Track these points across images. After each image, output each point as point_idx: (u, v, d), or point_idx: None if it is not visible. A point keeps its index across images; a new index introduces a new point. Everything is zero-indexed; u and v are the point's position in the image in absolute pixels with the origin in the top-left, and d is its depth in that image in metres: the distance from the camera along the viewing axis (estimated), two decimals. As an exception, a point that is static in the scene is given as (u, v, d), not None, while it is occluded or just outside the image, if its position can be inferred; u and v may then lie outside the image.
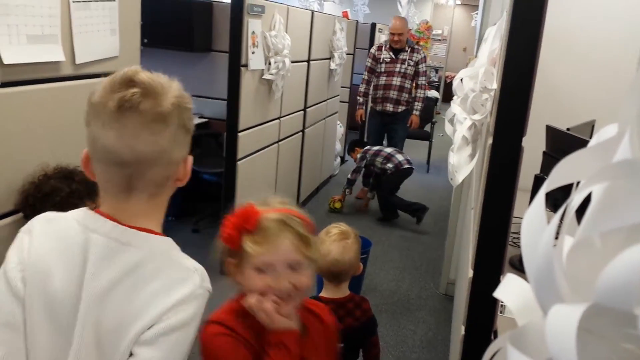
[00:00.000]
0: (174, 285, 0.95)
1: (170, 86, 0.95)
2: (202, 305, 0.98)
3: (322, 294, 1.89)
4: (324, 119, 5.58)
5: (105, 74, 2.17)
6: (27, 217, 1.60)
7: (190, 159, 1.02)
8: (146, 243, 0.97)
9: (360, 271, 1.91)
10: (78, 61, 1.81)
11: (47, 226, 0.99)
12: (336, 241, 1.84)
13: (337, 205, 5.13)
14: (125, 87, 0.90)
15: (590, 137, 2.28)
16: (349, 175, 5.06)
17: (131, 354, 0.93)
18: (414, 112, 5.40)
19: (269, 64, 3.74)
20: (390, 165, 4.86)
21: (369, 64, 5.44)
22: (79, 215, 0.99)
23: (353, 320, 1.86)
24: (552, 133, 2.16)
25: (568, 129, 2.13)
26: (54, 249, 0.96)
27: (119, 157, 0.90)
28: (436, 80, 12.22)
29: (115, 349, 0.93)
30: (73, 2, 1.74)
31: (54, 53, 1.70)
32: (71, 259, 0.95)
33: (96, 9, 1.86)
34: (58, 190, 1.58)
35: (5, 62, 1.51)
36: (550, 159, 2.11)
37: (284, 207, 1.19)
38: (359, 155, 5.00)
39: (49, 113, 1.73)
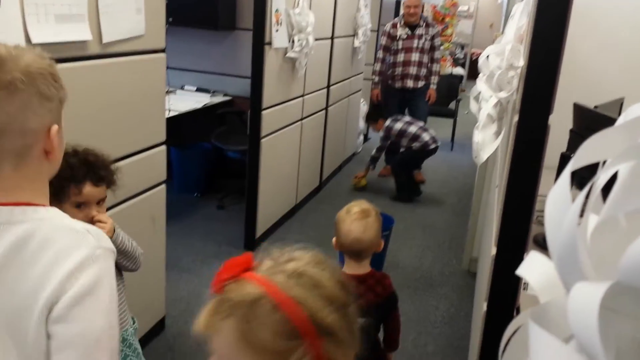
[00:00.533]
0: (67, 251, 0.90)
1: (22, 54, 0.90)
2: (106, 266, 0.94)
3: (343, 270, 1.91)
4: (347, 96, 5.55)
5: (132, 53, 2.21)
6: None
7: (56, 128, 0.95)
8: (26, 215, 0.92)
9: (381, 248, 1.92)
10: (105, 40, 1.83)
11: None
12: (357, 220, 1.85)
13: (363, 182, 5.12)
14: None
15: (619, 115, 2.24)
16: (373, 153, 5.03)
17: (49, 336, 0.89)
18: (432, 86, 5.38)
19: (293, 41, 3.72)
20: (417, 144, 4.83)
21: (383, 43, 5.38)
22: None
23: (374, 296, 1.88)
24: (580, 111, 2.13)
25: (596, 107, 2.09)
26: None
27: None
28: (462, 57, 12.02)
29: (25, 331, 0.89)
30: (99, -20, 1.75)
31: (81, 32, 1.73)
32: None
33: (122, -13, 1.87)
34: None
35: (34, 41, 1.53)
36: (577, 137, 2.08)
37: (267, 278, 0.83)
38: (381, 134, 4.93)
39: (76, 92, 1.76)
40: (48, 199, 1.00)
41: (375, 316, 1.91)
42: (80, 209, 1.54)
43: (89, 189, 1.53)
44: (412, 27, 5.26)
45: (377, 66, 5.44)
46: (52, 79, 0.94)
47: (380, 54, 5.41)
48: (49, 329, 0.88)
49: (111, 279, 0.95)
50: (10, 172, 0.92)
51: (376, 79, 5.49)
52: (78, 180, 1.52)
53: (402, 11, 5.38)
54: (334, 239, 1.92)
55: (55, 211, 0.97)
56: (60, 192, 1.49)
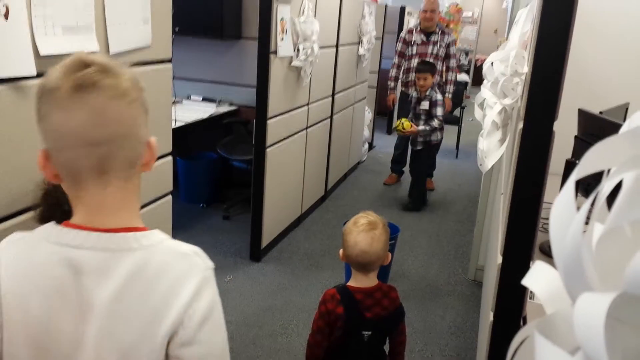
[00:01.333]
0: (183, 279, 0.91)
1: (122, 66, 0.91)
2: (214, 283, 0.96)
3: (350, 283, 1.90)
4: (352, 105, 5.56)
5: (138, 64, 2.22)
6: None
7: (154, 141, 0.95)
8: (138, 242, 0.92)
9: (388, 261, 1.92)
10: (112, 51, 1.84)
11: (15, 250, 0.94)
12: (364, 231, 1.83)
13: (407, 125, 4.70)
14: (80, 68, 0.85)
15: (624, 120, 2.23)
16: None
17: (169, 357, 0.91)
18: (446, 94, 5.36)
19: (298, 50, 3.74)
20: (440, 136, 4.86)
21: (399, 48, 5.42)
22: (48, 232, 0.93)
23: (381, 309, 1.87)
24: (584, 117, 2.12)
25: (601, 113, 2.08)
26: (27, 275, 0.91)
27: (89, 137, 0.85)
28: (466, 63, 12.03)
29: (140, 358, 0.90)
30: (105, -7, 1.77)
31: (89, 43, 1.74)
32: (49, 284, 0.89)
33: (128, -1, 1.89)
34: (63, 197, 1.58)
35: (42, 53, 1.55)
36: (582, 144, 2.07)
37: None
38: (425, 128, 4.76)
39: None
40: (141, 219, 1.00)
41: (382, 329, 1.90)
42: None
43: None
44: (428, 33, 5.29)
45: (393, 71, 5.48)
46: (144, 92, 0.94)
47: (395, 60, 5.46)
48: (173, 353, 0.90)
49: (217, 294, 0.98)
50: (121, 186, 0.92)
51: (392, 84, 5.52)
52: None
53: (407, 20, 5.40)
54: (340, 251, 1.92)
55: (158, 234, 0.96)
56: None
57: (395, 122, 4.90)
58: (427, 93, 4.68)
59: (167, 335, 0.89)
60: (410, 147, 4.99)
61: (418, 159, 4.91)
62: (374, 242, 1.82)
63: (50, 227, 0.93)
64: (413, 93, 4.86)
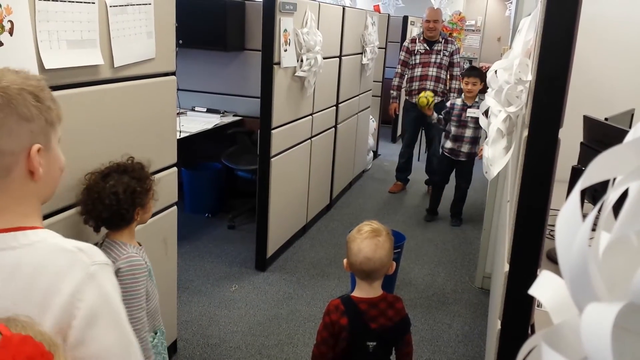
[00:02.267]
0: (62, 274, 0.89)
1: (2, 75, 0.90)
2: (105, 280, 0.93)
3: (355, 294, 1.89)
4: (357, 114, 5.57)
5: (143, 77, 2.24)
6: (96, 225, 1.75)
7: (36, 148, 0.93)
8: (17, 241, 0.91)
9: (393, 270, 1.90)
10: (116, 64, 1.86)
11: None
12: (367, 239, 1.83)
13: (430, 97, 4.59)
14: None
15: (630, 126, 2.22)
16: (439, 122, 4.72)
17: None
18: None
19: (301, 61, 3.75)
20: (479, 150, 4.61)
21: (402, 57, 5.42)
22: None
23: (386, 320, 1.86)
24: (590, 123, 2.12)
25: (606, 119, 2.08)
26: None
27: None
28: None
29: None
30: (110, 6, 1.79)
31: (93, 57, 1.75)
32: None
33: (133, 12, 1.90)
34: (110, 190, 1.70)
35: (47, 67, 1.56)
36: (588, 150, 2.06)
37: None
38: (440, 117, 4.66)
39: (89, 116, 1.78)
40: (40, 219, 0.99)
41: (387, 340, 1.89)
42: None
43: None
44: (431, 42, 5.30)
45: (396, 81, 5.48)
46: (35, 99, 0.92)
47: (398, 69, 5.46)
48: (70, 356, 0.87)
49: (114, 291, 0.94)
50: None
51: (394, 93, 5.52)
52: (142, 204, 1.81)
53: (410, 29, 5.41)
54: (345, 260, 1.91)
55: (45, 233, 0.95)
56: (127, 217, 1.77)
57: (420, 96, 4.66)
58: (476, 100, 4.47)
59: (54, 334, 0.86)
60: (442, 159, 4.76)
61: (463, 172, 4.68)
62: (377, 249, 1.81)
63: None
64: (456, 100, 4.59)
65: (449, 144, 4.62)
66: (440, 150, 4.82)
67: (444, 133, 4.72)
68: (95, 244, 1.76)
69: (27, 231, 0.93)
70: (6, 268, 0.89)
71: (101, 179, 1.72)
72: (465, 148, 4.56)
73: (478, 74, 4.51)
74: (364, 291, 1.87)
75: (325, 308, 1.90)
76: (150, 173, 1.85)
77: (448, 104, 4.69)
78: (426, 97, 4.59)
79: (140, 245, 1.87)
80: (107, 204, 1.69)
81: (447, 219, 4.88)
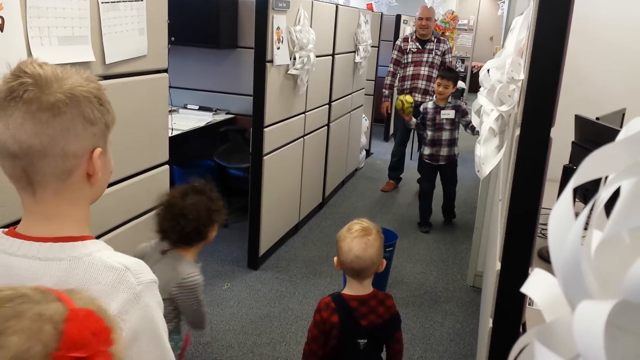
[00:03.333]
0: (107, 295, 0.88)
1: (67, 76, 0.90)
2: (150, 300, 0.92)
3: (345, 291, 1.90)
4: (349, 112, 5.57)
5: (134, 74, 2.22)
6: (175, 241, 1.90)
7: (99, 151, 0.93)
8: (64, 253, 0.91)
9: (383, 268, 1.90)
10: (108, 61, 1.85)
11: None
12: (357, 237, 1.83)
13: (406, 102, 4.48)
14: (15, 78, 0.87)
15: (621, 126, 2.23)
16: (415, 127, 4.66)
17: None
18: None
19: (294, 59, 3.75)
20: (457, 151, 4.59)
21: (394, 56, 5.43)
22: (5, 243, 0.93)
23: (376, 317, 1.86)
24: (581, 123, 2.13)
25: (597, 118, 2.09)
26: None
27: (6, 149, 0.87)
28: (462, 70, 12.07)
29: None
30: (102, 3, 1.77)
31: (84, 54, 1.74)
32: None
33: (124, 9, 1.89)
34: (192, 207, 1.88)
35: (38, 63, 1.55)
36: (579, 149, 2.07)
37: None
38: (418, 121, 4.59)
39: (80, 112, 1.77)
40: (88, 226, 0.98)
41: (378, 337, 1.90)
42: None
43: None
44: (423, 41, 5.31)
45: (388, 79, 5.47)
46: (98, 102, 0.93)
47: (391, 67, 5.45)
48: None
49: (158, 309, 0.94)
50: (51, 196, 0.92)
51: (386, 92, 5.52)
52: (216, 222, 2.03)
53: (403, 28, 5.41)
54: (335, 259, 1.91)
55: (93, 245, 0.94)
56: (203, 233, 1.96)
57: (397, 101, 4.53)
58: (449, 101, 4.41)
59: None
60: (424, 166, 4.68)
61: (447, 175, 4.64)
62: (367, 248, 1.82)
63: None
64: (428, 104, 4.50)
65: (427, 150, 4.53)
66: (420, 157, 4.75)
67: (423, 139, 4.61)
68: (163, 252, 1.90)
69: (75, 243, 0.93)
70: (52, 279, 0.88)
71: (180, 197, 1.89)
72: (444, 151, 4.47)
73: (453, 76, 4.43)
74: (354, 289, 1.87)
75: (316, 306, 1.91)
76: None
77: (421, 108, 4.56)
78: (402, 101, 4.47)
79: (198, 262, 2.00)
80: (190, 219, 1.87)
81: (438, 218, 4.89)
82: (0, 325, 0.64)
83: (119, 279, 0.90)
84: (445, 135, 4.44)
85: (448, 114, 4.38)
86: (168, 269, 1.85)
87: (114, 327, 0.75)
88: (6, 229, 0.94)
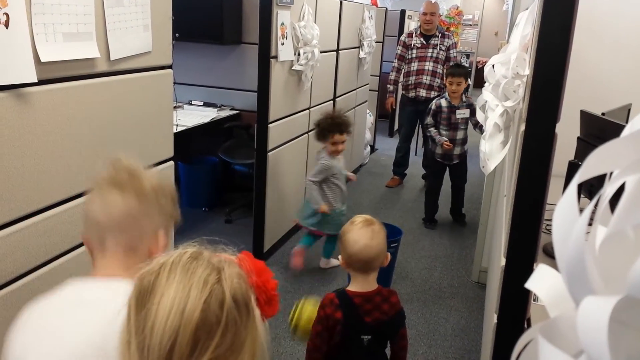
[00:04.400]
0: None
1: (150, 173, 1.17)
2: None
3: (350, 288, 1.89)
4: (354, 108, 5.57)
5: (139, 70, 2.22)
6: None
7: (162, 233, 1.17)
8: (109, 285, 1.08)
9: (388, 261, 1.90)
10: (112, 57, 1.85)
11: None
12: (363, 227, 1.84)
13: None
14: (116, 170, 1.14)
15: (627, 121, 2.22)
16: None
17: None
18: None
19: (298, 54, 3.74)
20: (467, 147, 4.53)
21: (399, 52, 5.41)
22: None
23: (380, 314, 1.86)
24: (587, 118, 2.12)
25: (603, 114, 2.08)
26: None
27: (96, 219, 1.11)
28: (467, 66, 12.03)
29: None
30: (106, -1, 1.77)
31: (89, 50, 1.74)
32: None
33: (129, 5, 1.89)
34: None
35: (42, 59, 1.55)
36: (584, 145, 2.07)
37: None
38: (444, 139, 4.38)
39: (85, 109, 1.77)
40: None
41: (382, 334, 1.89)
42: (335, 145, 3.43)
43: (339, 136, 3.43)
44: (428, 36, 5.28)
45: (392, 75, 5.44)
46: (171, 199, 1.19)
47: (395, 63, 5.42)
48: None
49: None
50: (122, 257, 1.12)
51: (391, 87, 5.51)
52: (340, 131, 3.40)
53: (407, 23, 5.39)
54: (340, 257, 1.90)
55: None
56: (325, 135, 3.41)
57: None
58: (463, 100, 4.32)
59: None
60: (435, 164, 4.60)
61: (458, 173, 4.54)
62: (374, 236, 1.82)
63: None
64: (441, 101, 4.37)
65: (440, 149, 4.44)
66: (430, 154, 4.64)
67: (433, 139, 4.47)
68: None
69: (119, 280, 1.10)
70: (93, 303, 1.05)
71: None
72: (457, 150, 4.42)
73: (463, 72, 4.33)
74: (359, 285, 1.87)
75: (320, 302, 1.90)
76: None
77: (432, 105, 4.43)
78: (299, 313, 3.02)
79: None
80: None
81: (443, 214, 4.89)
82: (207, 269, 0.80)
83: None
84: (460, 134, 4.38)
85: (463, 113, 4.30)
86: None
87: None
88: None
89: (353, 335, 1.84)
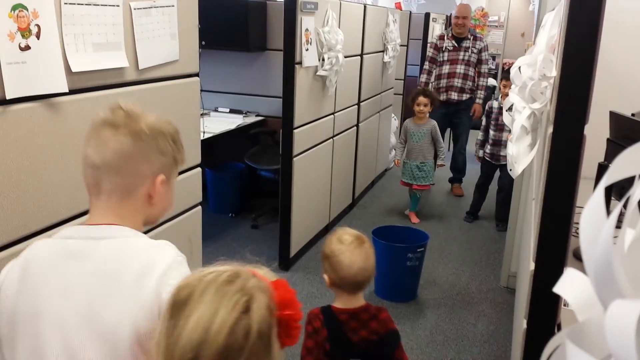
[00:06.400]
0: (154, 261, 1.05)
1: (152, 115, 1.12)
2: (187, 270, 1.08)
3: (335, 304, 1.78)
4: (378, 112, 5.55)
5: (167, 78, 2.26)
6: None
7: (161, 178, 1.12)
8: (111, 232, 1.08)
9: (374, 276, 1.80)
10: (141, 66, 1.88)
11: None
12: (357, 248, 1.73)
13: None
14: (112, 111, 1.11)
15: (659, 122, 2.17)
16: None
17: None
18: (477, 100, 5.32)
19: (323, 60, 3.76)
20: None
21: (430, 54, 5.41)
22: (63, 232, 1.13)
23: (369, 333, 1.72)
24: (616, 119, 2.08)
25: (633, 115, 2.04)
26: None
27: (91, 161, 1.08)
28: (493, 67, 11.91)
29: (119, 332, 1.00)
30: (135, 9, 1.81)
31: (118, 59, 1.78)
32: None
33: (157, 14, 1.93)
34: None
35: (73, 70, 1.59)
36: (614, 146, 2.03)
37: None
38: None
39: (114, 117, 1.81)
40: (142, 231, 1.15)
41: (373, 357, 1.73)
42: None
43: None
44: (459, 39, 5.27)
45: (423, 77, 5.46)
46: (172, 140, 1.13)
47: (426, 65, 5.44)
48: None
49: None
50: (116, 202, 1.10)
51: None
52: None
53: (432, 26, 5.36)
54: (326, 277, 1.77)
55: (141, 233, 1.13)
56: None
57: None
58: None
59: (150, 310, 1.00)
60: (484, 163, 4.71)
61: (505, 174, 4.32)
62: (368, 257, 1.73)
63: (72, 226, 1.17)
64: (494, 103, 4.55)
65: (489, 149, 4.62)
66: (482, 153, 4.73)
67: (481, 139, 4.72)
68: None
69: (130, 229, 1.10)
70: (103, 254, 1.05)
71: None
72: (504, 152, 4.36)
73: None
74: (345, 301, 1.75)
75: (306, 318, 1.77)
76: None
77: (487, 106, 4.68)
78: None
79: None
80: None
81: (478, 218, 4.84)
82: (238, 295, 0.82)
83: (163, 250, 1.09)
84: (505, 136, 4.39)
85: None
86: None
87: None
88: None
89: (340, 356, 1.71)
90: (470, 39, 5.27)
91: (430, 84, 5.44)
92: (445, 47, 5.29)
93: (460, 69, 5.26)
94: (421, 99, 4.54)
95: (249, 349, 0.79)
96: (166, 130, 1.12)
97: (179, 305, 0.83)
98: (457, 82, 5.27)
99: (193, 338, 0.78)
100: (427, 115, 4.63)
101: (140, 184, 1.10)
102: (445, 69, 5.29)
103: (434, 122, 4.68)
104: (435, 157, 4.69)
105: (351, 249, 1.73)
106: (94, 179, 1.09)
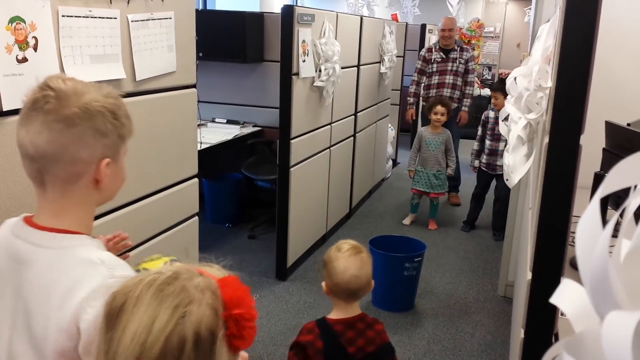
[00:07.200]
0: (80, 282, 0.97)
1: (87, 91, 1.00)
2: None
3: (330, 316, 1.79)
4: (375, 122, 5.57)
5: (164, 90, 2.27)
6: None
7: (106, 161, 1.03)
8: (54, 241, 1.01)
9: (372, 288, 1.81)
10: (138, 78, 1.89)
11: None
12: (352, 256, 1.75)
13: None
14: (40, 90, 0.98)
15: (654, 132, 2.18)
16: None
17: None
18: (463, 108, 5.45)
19: (320, 71, 3.77)
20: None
21: (419, 66, 5.56)
22: (13, 223, 1.08)
23: (365, 343, 1.73)
24: (612, 129, 2.09)
25: (628, 124, 2.05)
26: None
27: (26, 152, 1.00)
28: (489, 78, 11.96)
29: (45, 346, 0.97)
30: (132, 21, 1.82)
31: (116, 71, 1.78)
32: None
33: (154, 27, 1.94)
34: None
35: (71, 82, 1.59)
36: (610, 156, 2.03)
37: None
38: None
39: (111, 128, 1.81)
40: (87, 226, 1.08)
41: None
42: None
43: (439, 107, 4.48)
44: (446, 51, 5.43)
45: (412, 88, 5.60)
46: (112, 116, 1.02)
47: (415, 77, 5.59)
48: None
49: None
50: (57, 197, 1.02)
51: (411, 100, 5.63)
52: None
53: (428, 37, 5.43)
54: (323, 284, 1.80)
55: (80, 240, 1.04)
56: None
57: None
58: None
59: (67, 333, 0.95)
60: (480, 172, 4.74)
61: (502, 186, 4.28)
62: (363, 266, 1.74)
63: (17, 219, 1.08)
64: (489, 113, 4.60)
65: (485, 158, 4.64)
66: (477, 163, 4.76)
67: (476, 149, 4.75)
68: None
69: (66, 235, 1.03)
70: (40, 267, 1.00)
71: None
72: (500, 161, 4.36)
73: (501, 87, 4.35)
74: (340, 311, 1.77)
75: (300, 330, 1.79)
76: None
77: (483, 116, 4.72)
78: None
79: None
80: None
81: (475, 228, 4.84)
82: (177, 299, 0.75)
83: (93, 269, 0.99)
84: (502, 146, 4.40)
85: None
86: None
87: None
88: (28, 215, 1.08)
89: None
90: (457, 50, 5.42)
91: (420, 95, 5.57)
92: (434, 59, 5.44)
93: (449, 79, 5.41)
94: (439, 107, 4.63)
95: (187, 357, 0.72)
96: (103, 108, 1.00)
97: (114, 315, 0.75)
98: (446, 92, 5.42)
99: (130, 354, 0.72)
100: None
101: (83, 171, 1.02)
102: (435, 79, 5.44)
103: (449, 132, 4.74)
104: (446, 165, 4.73)
105: (346, 256, 1.76)
106: (33, 170, 1.01)
